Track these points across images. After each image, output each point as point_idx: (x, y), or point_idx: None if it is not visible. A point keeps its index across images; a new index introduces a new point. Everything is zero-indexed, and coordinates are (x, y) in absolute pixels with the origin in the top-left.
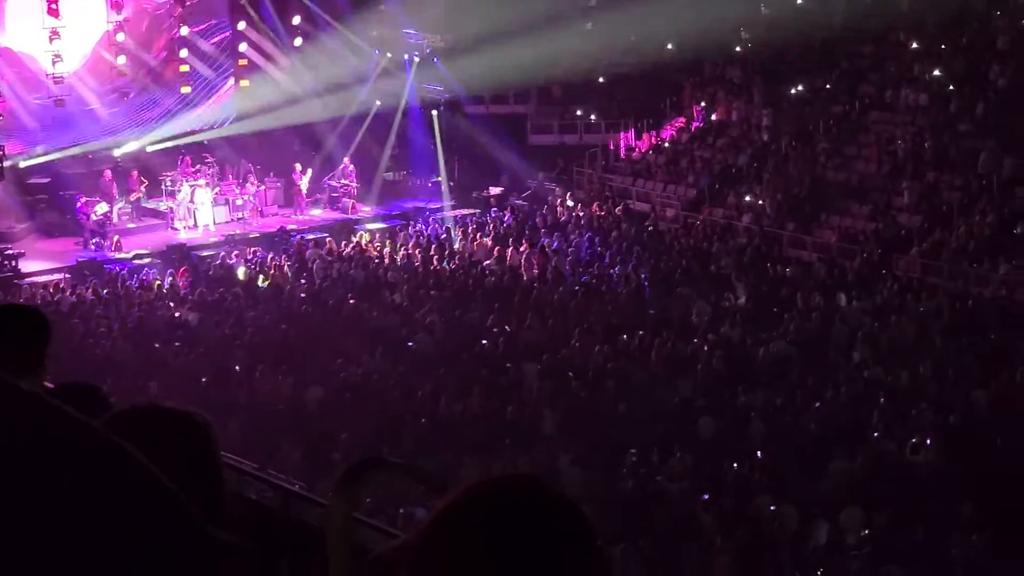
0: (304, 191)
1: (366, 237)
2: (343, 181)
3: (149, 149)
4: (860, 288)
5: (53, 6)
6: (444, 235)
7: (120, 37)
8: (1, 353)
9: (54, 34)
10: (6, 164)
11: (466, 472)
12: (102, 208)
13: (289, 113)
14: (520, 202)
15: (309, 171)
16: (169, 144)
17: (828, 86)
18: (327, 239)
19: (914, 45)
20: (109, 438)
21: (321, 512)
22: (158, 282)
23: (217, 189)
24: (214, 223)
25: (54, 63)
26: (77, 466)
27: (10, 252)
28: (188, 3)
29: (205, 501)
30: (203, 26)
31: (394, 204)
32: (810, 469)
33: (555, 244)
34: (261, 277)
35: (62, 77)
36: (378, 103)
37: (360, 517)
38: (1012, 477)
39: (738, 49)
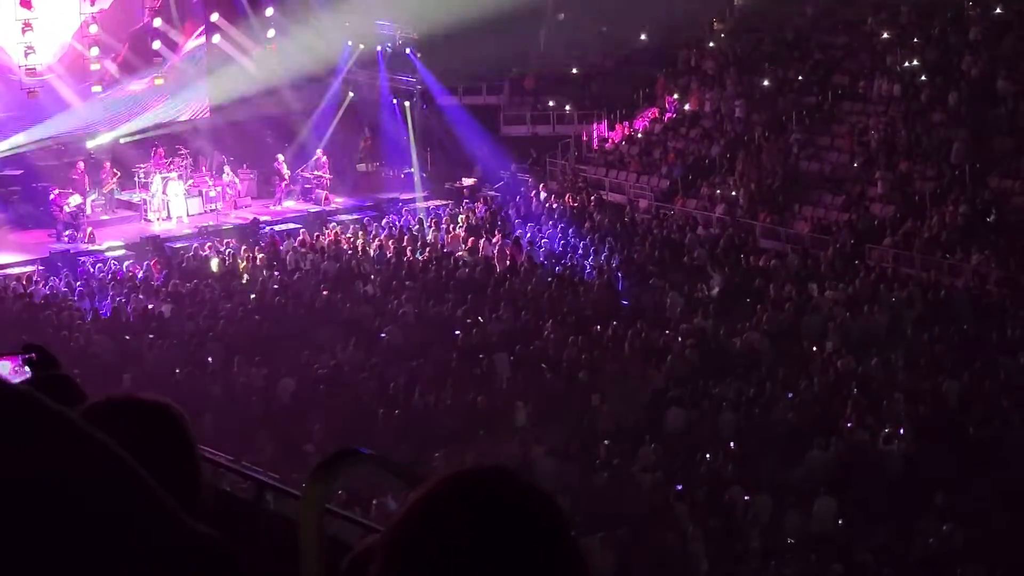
0: (287, 180)
1: (338, 229)
2: (316, 173)
3: (122, 141)
4: (833, 279)
5: None
6: (417, 226)
7: (93, 29)
8: None
9: (27, 26)
10: None
11: (439, 464)
12: (75, 200)
13: (262, 105)
14: (493, 193)
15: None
16: (142, 136)
17: (801, 77)
18: (301, 231)
19: (886, 35)
20: (84, 429)
21: (295, 504)
22: (131, 273)
23: (190, 181)
24: (187, 214)
25: (27, 55)
26: (52, 457)
27: None
28: None
29: (182, 493)
30: (176, 17)
31: (367, 196)
32: (783, 459)
33: (528, 235)
34: (242, 267)
35: (35, 69)
36: (351, 95)
37: (334, 509)
38: (982, 466)
39: (711, 43)
